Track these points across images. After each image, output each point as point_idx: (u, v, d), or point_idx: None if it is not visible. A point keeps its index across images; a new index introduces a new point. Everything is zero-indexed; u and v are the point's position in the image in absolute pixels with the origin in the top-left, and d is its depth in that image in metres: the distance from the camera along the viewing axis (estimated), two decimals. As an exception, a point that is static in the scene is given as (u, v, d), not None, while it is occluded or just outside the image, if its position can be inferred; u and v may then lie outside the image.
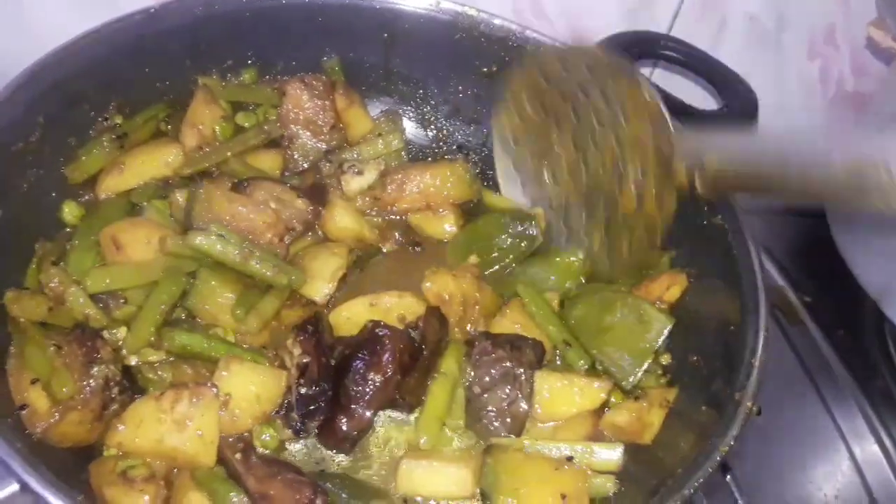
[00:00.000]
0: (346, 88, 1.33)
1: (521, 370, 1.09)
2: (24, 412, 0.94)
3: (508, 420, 1.09)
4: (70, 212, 1.17)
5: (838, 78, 1.79)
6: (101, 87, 1.18)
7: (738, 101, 1.31)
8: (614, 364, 1.13)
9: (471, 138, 1.43)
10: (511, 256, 1.28)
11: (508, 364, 1.09)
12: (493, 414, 1.09)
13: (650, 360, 1.13)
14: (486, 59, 1.34)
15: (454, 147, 1.44)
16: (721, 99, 1.34)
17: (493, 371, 1.09)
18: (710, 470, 0.88)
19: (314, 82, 1.29)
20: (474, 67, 1.36)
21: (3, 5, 1.39)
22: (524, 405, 1.08)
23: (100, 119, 1.20)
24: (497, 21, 1.31)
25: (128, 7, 1.21)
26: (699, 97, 1.52)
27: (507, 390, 1.08)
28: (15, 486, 0.82)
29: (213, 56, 1.29)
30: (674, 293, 1.15)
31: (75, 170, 1.18)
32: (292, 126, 1.30)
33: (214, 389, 0.98)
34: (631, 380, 1.11)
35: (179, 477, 0.97)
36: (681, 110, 1.24)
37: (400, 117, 1.40)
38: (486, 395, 1.09)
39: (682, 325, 1.14)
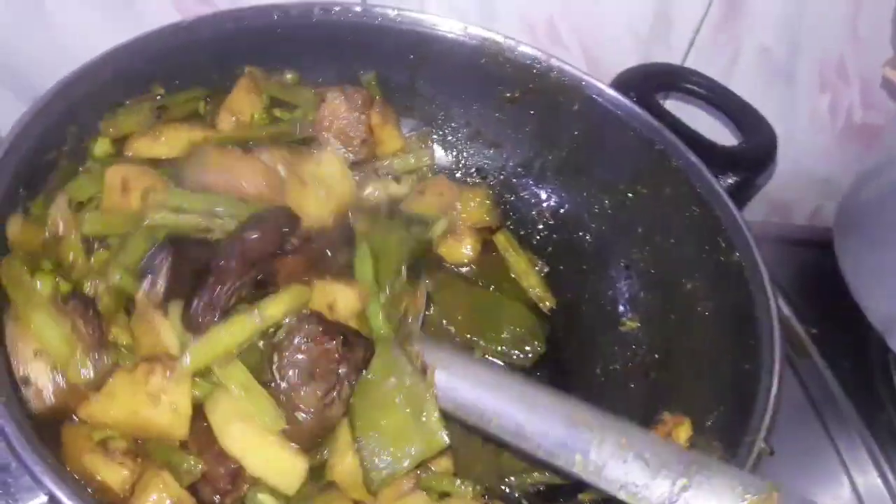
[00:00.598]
0: (384, 105, 1.34)
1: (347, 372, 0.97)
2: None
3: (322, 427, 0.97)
4: (101, 147, 1.17)
5: (847, 110, 1.82)
6: (134, 97, 1.20)
7: (757, 138, 1.33)
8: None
9: (490, 161, 1.45)
10: None
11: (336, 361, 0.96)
12: (305, 416, 0.96)
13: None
14: (510, 84, 1.36)
15: (473, 170, 1.46)
16: (741, 134, 1.37)
17: (312, 363, 0.95)
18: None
19: (354, 94, 1.29)
20: (497, 92, 1.38)
21: (32, 19, 1.40)
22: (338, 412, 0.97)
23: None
24: (522, 48, 1.33)
25: (154, 21, 1.22)
26: (707, 127, 1.55)
27: (325, 392, 0.95)
28: (43, 499, 0.83)
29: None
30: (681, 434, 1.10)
31: (110, 125, 1.17)
32: (325, 133, 1.30)
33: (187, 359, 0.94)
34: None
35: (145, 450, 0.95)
36: (699, 143, 1.27)
37: (430, 137, 1.42)
38: (298, 391, 0.95)
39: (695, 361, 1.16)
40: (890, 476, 1.35)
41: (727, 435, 1.02)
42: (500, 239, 1.37)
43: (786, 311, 1.55)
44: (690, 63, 1.66)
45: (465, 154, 1.45)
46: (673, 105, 1.71)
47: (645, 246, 1.31)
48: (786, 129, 1.82)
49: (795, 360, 1.47)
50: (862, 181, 1.56)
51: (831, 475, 1.36)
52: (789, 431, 1.39)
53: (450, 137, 1.45)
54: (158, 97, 1.22)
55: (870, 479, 1.35)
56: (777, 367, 1.02)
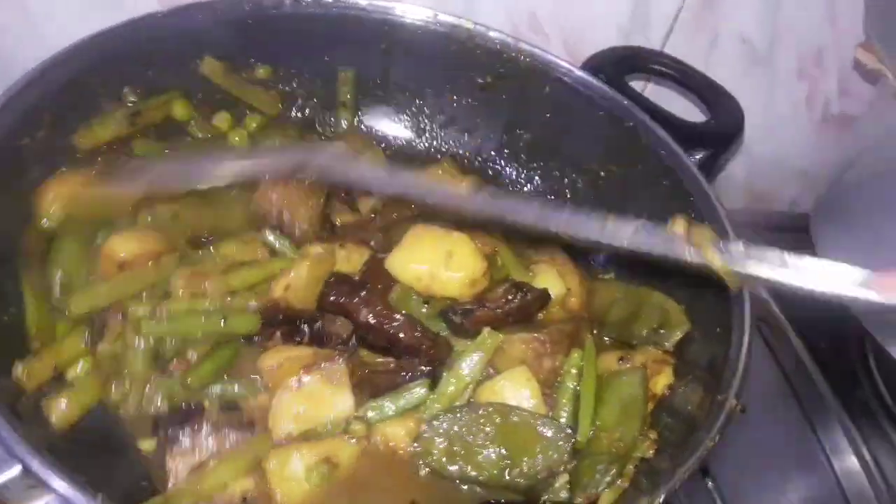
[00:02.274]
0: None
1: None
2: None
3: None
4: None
5: (825, 99, 1.83)
6: (109, 85, 1.21)
7: (724, 115, 1.35)
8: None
9: (465, 147, 1.46)
10: None
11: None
12: None
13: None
14: (481, 70, 1.37)
15: (448, 156, 1.46)
16: (709, 112, 1.38)
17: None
18: (696, 466, 0.90)
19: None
20: (469, 79, 1.39)
21: (9, 5, 1.42)
22: None
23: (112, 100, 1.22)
24: (492, 34, 1.34)
25: (134, 10, 1.23)
26: (686, 111, 1.56)
27: None
28: (17, 469, 0.83)
29: (219, 58, 1.31)
30: (658, 386, 1.11)
31: (84, 136, 1.19)
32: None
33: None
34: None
35: None
36: (668, 122, 1.28)
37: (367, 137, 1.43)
38: None
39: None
40: (866, 454, 1.35)
41: (701, 396, 1.03)
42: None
43: (764, 294, 1.55)
44: (668, 51, 1.67)
45: (439, 141, 1.46)
46: (651, 91, 1.72)
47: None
48: (764, 118, 1.84)
49: (773, 342, 1.48)
50: (840, 169, 1.57)
51: (808, 454, 1.36)
52: (767, 412, 1.40)
53: (424, 125, 1.46)
54: (130, 104, 1.24)
55: (846, 457, 1.35)
56: (747, 327, 1.02)
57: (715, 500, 1.29)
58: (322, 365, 1.03)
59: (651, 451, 1.04)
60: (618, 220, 0.94)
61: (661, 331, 1.16)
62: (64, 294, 1.07)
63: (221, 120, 1.34)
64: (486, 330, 1.09)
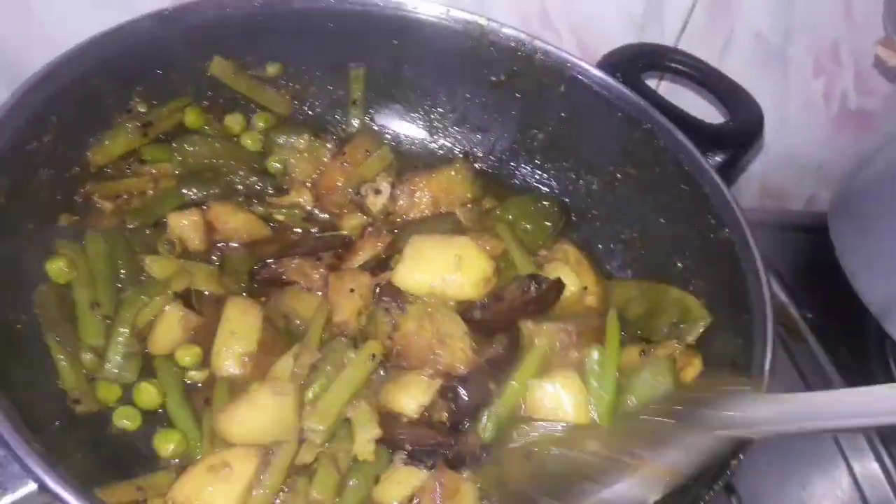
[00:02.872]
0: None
1: None
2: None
3: None
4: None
5: (842, 95, 1.80)
6: (116, 86, 1.19)
7: (744, 115, 1.32)
8: None
9: (478, 146, 1.44)
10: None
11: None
12: None
13: None
14: (495, 68, 1.35)
15: (461, 155, 1.44)
16: (727, 112, 1.35)
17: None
18: (720, 485, 0.89)
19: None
20: (483, 76, 1.36)
21: (14, 5, 1.39)
22: None
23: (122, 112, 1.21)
24: (506, 30, 1.32)
25: (142, 8, 1.21)
26: (701, 109, 1.53)
27: None
28: (33, 486, 0.82)
29: (227, 56, 1.29)
30: (689, 374, 1.10)
31: (98, 153, 1.18)
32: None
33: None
34: None
35: None
36: (686, 123, 1.26)
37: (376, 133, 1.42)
38: None
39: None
40: (887, 460, 1.33)
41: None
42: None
43: (782, 296, 1.53)
44: (682, 47, 1.64)
45: (452, 139, 1.44)
46: (666, 88, 1.70)
47: (635, 226, 1.29)
48: (780, 114, 1.81)
49: (791, 345, 1.46)
50: (857, 166, 1.54)
51: (828, 460, 1.34)
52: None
53: (436, 123, 1.43)
54: (141, 113, 1.22)
55: (867, 463, 1.33)
56: (770, 340, 1.00)
57: (732, 505, 1.27)
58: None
59: None
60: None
61: (682, 325, 1.15)
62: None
63: (234, 122, 1.32)
64: (526, 325, 1.10)
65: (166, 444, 1.00)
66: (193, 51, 1.26)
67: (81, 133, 1.17)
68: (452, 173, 1.31)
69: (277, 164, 1.32)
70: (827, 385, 1.41)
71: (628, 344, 1.15)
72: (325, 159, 1.32)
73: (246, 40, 1.29)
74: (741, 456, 0.91)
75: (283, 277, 1.18)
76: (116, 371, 1.04)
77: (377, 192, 1.32)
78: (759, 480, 1.30)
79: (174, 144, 1.25)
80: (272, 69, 1.34)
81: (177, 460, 1.01)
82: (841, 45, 1.73)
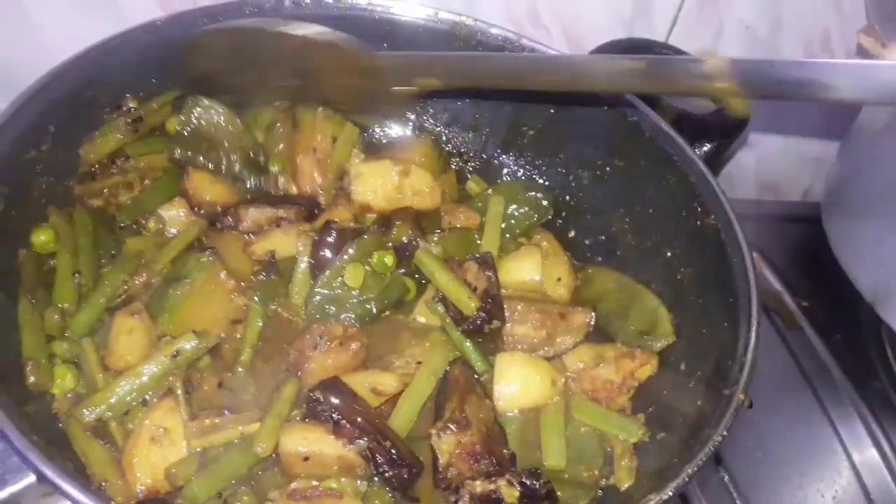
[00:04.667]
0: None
1: None
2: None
3: None
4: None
5: (834, 86, 1.80)
6: (111, 96, 1.22)
7: (730, 106, 1.33)
8: None
9: (470, 144, 1.46)
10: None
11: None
12: None
13: None
14: (484, 67, 1.37)
15: (454, 153, 1.46)
16: (715, 102, 1.36)
17: None
18: (704, 459, 0.90)
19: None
20: (472, 76, 1.38)
21: (11, 18, 1.43)
22: None
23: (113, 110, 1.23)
24: (493, 30, 1.34)
25: (136, 18, 1.24)
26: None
27: None
28: (32, 478, 0.85)
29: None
30: (645, 372, 1.14)
31: (90, 151, 1.21)
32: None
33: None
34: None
35: None
36: (672, 114, 1.27)
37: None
38: None
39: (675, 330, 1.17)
40: (885, 445, 1.34)
41: (706, 391, 1.03)
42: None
43: (777, 285, 1.55)
44: (673, 42, 1.66)
45: (444, 139, 1.46)
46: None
47: (625, 217, 1.31)
48: (773, 107, 1.82)
49: (787, 334, 1.46)
50: (844, 155, 1.56)
51: (826, 447, 1.35)
52: (781, 403, 1.39)
53: (428, 124, 1.45)
54: (132, 109, 1.24)
55: (865, 449, 1.34)
56: (754, 322, 1.01)
57: (731, 493, 1.28)
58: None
59: (645, 436, 1.06)
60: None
61: (646, 336, 1.17)
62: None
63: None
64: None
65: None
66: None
67: (78, 142, 1.19)
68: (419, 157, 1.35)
69: (275, 168, 1.33)
70: (823, 371, 1.42)
71: (591, 341, 1.19)
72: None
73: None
74: (725, 433, 0.91)
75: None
76: (77, 338, 1.06)
77: (357, 175, 1.31)
78: (757, 469, 1.31)
79: (188, 102, 1.26)
80: None
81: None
82: (831, 35, 1.74)
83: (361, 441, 0.98)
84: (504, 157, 1.44)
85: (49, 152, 1.13)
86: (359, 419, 0.99)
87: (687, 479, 0.87)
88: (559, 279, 1.26)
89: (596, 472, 1.06)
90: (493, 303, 1.13)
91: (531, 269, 1.24)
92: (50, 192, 1.15)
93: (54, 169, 1.15)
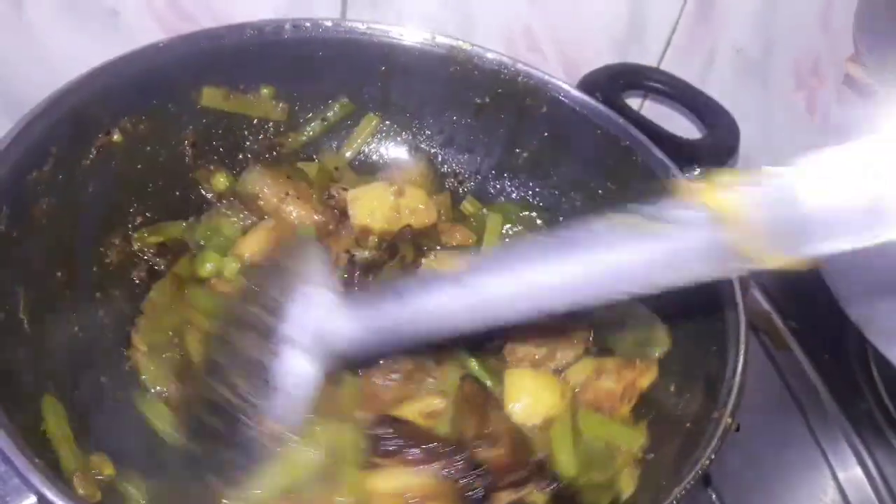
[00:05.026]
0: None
1: None
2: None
3: None
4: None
5: (824, 109, 1.84)
6: (113, 116, 1.23)
7: (720, 131, 1.36)
8: None
9: (465, 166, 1.48)
10: None
11: None
12: None
13: None
14: (480, 90, 1.39)
15: (449, 175, 1.48)
16: (704, 128, 1.39)
17: None
18: (692, 483, 0.92)
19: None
20: (468, 98, 1.41)
21: (16, 37, 1.45)
22: None
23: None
24: (489, 55, 1.36)
25: (139, 40, 1.26)
26: (685, 126, 1.58)
27: None
28: (33, 499, 0.85)
29: (221, 83, 1.34)
30: (645, 381, 1.18)
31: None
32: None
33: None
34: None
35: None
36: (664, 139, 1.30)
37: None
38: None
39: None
40: (871, 466, 1.35)
41: (695, 414, 1.05)
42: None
43: (766, 305, 1.57)
44: (666, 65, 1.69)
45: (439, 160, 1.48)
46: (651, 107, 1.74)
47: (616, 240, 1.33)
48: (764, 128, 1.85)
49: (775, 354, 1.48)
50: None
51: (813, 467, 1.36)
52: (770, 424, 1.41)
53: (423, 145, 1.48)
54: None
55: (851, 470, 1.35)
56: (742, 346, 1.03)
57: (719, 514, 1.30)
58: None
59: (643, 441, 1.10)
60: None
61: (643, 345, 1.20)
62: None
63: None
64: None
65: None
66: (188, 80, 1.30)
67: (78, 163, 1.20)
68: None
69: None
70: (811, 391, 1.44)
71: (591, 355, 1.22)
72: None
73: (239, 69, 1.34)
74: (713, 456, 0.93)
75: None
76: None
77: (345, 189, 1.36)
78: (744, 488, 1.33)
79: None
80: (266, 92, 1.38)
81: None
82: (820, 59, 1.77)
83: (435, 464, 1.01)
84: (498, 178, 1.46)
85: (51, 172, 1.14)
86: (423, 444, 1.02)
87: (675, 501, 0.89)
88: None
89: (611, 475, 1.10)
90: None
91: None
92: (51, 211, 1.16)
93: (55, 188, 1.16)
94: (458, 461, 1.01)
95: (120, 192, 1.26)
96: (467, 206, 1.44)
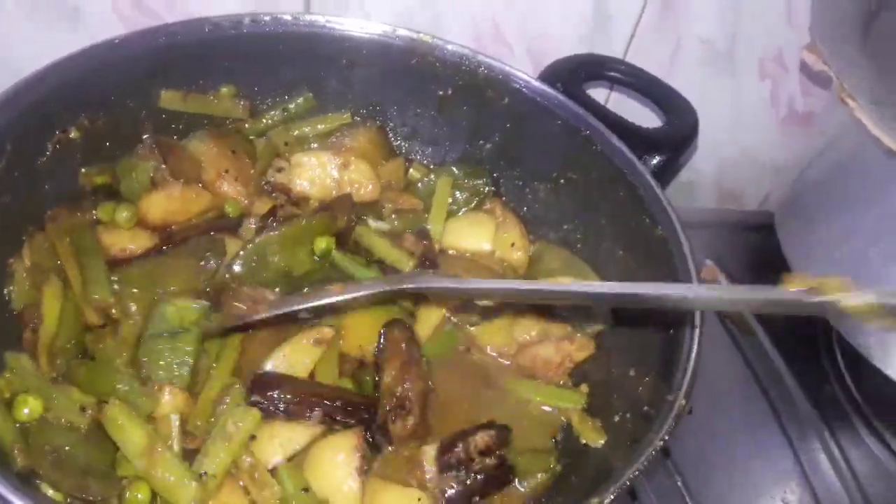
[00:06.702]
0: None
1: None
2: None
3: None
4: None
5: (789, 98, 1.85)
6: (70, 112, 1.22)
7: (678, 119, 1.37)
8: None
9: (429, 158, 1.48)
10: None
11: None
12: None
13: None
14: (442, 82, 1.39)
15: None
16: (664, 117, 1.40)
17: None
18: (646, 464, 0.93)
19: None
20: (430, 91, 1.41)
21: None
22: None
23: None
24: (450, 47, 1.36)
25: (98, 34, 1.25)
26: (649, 116, 1.59)
27: None
28: None
29: (180, 80, 1.33)
30: (580, 355, 1.21)
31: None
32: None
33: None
34: None
35: None
36: (624, 128, 1.30)
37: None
38: None
39: (624, 339, 1.21)
40: (835, 450, 1.37)
41: (650, 397, 1.06)
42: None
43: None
44: (632, 56, 1.70)
45: (403, 152, 1.48)
46: (615, 98, 1.75)
47: (579, 226, 1.34)
48: (730, 118, 1.86)
49: (740, 338, 1.49)
50: (803, 165, 1.59)
51: (778, 451, 1.38)
52: (737, 408, 1.42)
53: (388, 138, 1.47)
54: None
55: (814, 453, 1.37)
56: (697, 330, 1.04)
57: (683, 497, 1.30)
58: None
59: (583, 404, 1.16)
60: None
61: (585, 318, 1.24)
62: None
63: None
64: None
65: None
66: (146, 77, 1.30)
67: (34, 159, 1.19)
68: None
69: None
70: (776, 376, 1.45)
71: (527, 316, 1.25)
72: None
73: (198, 65, 1.34)
74: (666, 437, 0.94)
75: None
76: None
77: (279, 170, 1.36)
78: (710, 473, 1.33)
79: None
80: (225, 91, 1.38)
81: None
82: (785, 49, 1.78)
83: (315, 413, 1.04)
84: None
85: (5, 169, 1.13)
86: (300, 396, 1.05)
87: (628, 482, 0.90)
88: (513, 244, 1.34)
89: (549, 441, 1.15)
90: (430, 264, 1.23)
91: (482, 237, 1.35)
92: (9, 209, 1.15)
93: (11, 186, 1.15)
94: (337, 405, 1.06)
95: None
96: (413, 172, 1.45)
